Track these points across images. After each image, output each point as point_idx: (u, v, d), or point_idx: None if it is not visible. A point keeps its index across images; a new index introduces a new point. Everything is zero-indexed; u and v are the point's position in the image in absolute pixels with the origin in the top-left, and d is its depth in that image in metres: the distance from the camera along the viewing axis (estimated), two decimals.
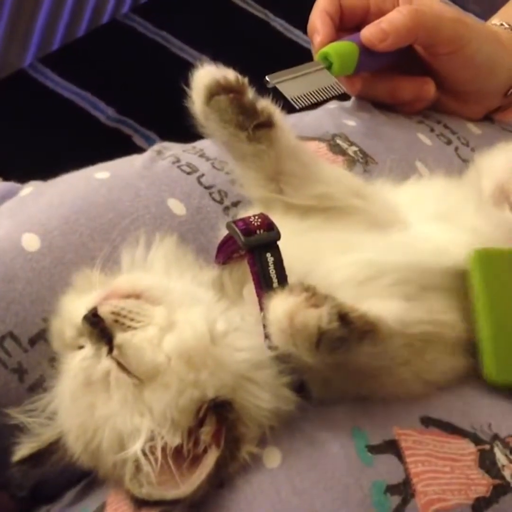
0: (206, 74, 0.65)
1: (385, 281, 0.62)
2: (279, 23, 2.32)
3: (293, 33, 2.29)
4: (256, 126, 0.64)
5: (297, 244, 0.64)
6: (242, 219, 0.63)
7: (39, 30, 1.97)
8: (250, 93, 0.65)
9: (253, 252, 0.61)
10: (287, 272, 0.61)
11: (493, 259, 0.65)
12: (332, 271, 0.63)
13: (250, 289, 0.62)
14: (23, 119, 1.87)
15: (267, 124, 0.65)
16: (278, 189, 0.68)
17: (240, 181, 0.70)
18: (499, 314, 0.63)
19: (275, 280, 0.60)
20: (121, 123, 1.95)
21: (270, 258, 0.60)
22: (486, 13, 1.00)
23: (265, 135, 0.65)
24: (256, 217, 0.63)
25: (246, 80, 0.65)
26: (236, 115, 0.64)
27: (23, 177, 0.82)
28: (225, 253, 0.65)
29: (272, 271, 0.60)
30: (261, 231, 0.62)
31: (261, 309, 0.59)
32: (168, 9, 2.23)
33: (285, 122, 0.67)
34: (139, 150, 0.84)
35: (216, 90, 0.64)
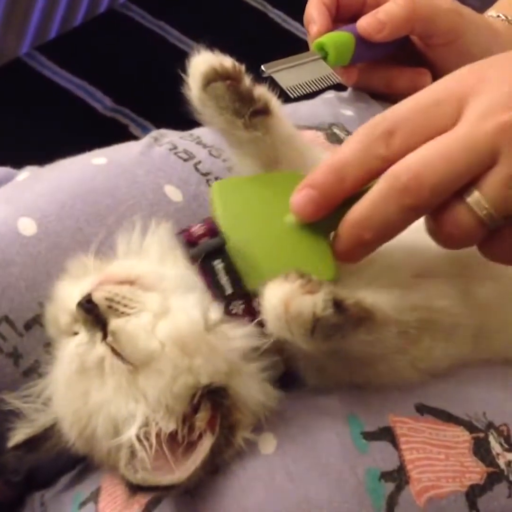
0: (203, 61, 0.64)
1: (379, 268, 0.62)
2: (277, 15, 2.32)
3: (291, 25, 2.29)
4: (252, 113, 0.64)
5: None
6: (186, 230, 0.62)
7: (36, 19, 1.96)
8: (247, 80, 0.64)
9: (201, 262, 0.59)
10: None
11: (232, 186, 0.63)
12: None
13: None
14: (19, 108, 1.87)
15: (264, 111, 0.65)
16: None
17: (237, 168, 0.69)
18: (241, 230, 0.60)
19: (228, 286, 0.59)
20: (118, 113, 1.95)
21: (219, 265, 0.59)
22: (485, 7, 0.99)
23: (262, 122, 0.65)
24: (200, 226, 0.61)
25: (243, 67, 0.65)
26: (232, 102, 0.63)
27: (18, 166, 0.82)
28: None
29: (223, 278, 0.59)
30: (205, 239, 0.60)
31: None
32: None
33: (281, 110, 0.67)
34: (135, 139, 0.84)
35: (213, 77, 0.63)
